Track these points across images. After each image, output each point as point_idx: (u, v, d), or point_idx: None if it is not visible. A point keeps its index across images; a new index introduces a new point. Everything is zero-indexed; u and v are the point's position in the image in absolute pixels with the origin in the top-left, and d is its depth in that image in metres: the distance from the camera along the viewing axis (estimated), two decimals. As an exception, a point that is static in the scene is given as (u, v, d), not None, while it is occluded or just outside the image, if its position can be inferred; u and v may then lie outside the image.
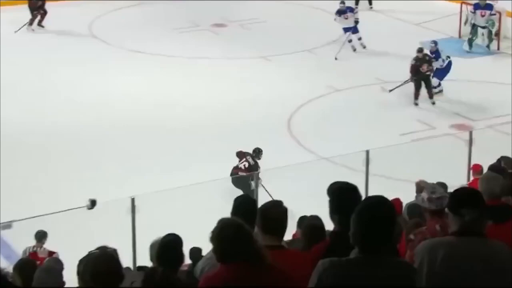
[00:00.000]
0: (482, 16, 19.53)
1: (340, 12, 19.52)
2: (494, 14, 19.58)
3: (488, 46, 19.66)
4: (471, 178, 11.25)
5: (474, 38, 19.65)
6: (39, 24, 21.19)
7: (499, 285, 3.82)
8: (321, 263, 3.65)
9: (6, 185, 12.66)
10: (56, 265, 7.00)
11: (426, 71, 16.33)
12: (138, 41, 19.93)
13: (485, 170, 10.35)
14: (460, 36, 20.31)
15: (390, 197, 7.22)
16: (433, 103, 16.30)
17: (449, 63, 16.87)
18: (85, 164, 13.58)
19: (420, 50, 16.64)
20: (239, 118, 15.67)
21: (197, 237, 6.16)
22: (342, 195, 4.57)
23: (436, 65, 16.71)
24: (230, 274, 3.95)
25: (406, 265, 3.72)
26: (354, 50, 19.42)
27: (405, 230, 6.39)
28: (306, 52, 19.53)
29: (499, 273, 3.84)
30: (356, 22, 19.49)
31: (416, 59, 16.45)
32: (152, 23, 21.51)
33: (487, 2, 19.56)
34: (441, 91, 16.89)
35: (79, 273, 4.22)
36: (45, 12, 21.15)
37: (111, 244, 5.66)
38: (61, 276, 6.64)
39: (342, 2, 19.63)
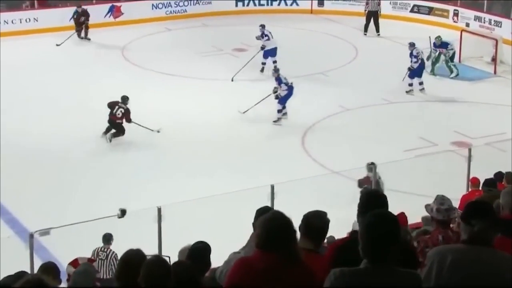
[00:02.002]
0: (441, 52, 19.51)
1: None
2: (452, 49, 19.54)
3: (451, 73, 19.38)
4: (470, 189, 11.20)
5: (437, 63, 19.55)
6: (86, 37, 21.92)
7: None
8: (333, 272, 3.65)
9: (40, 194, 12.72)
10: (90, 269, 6.98)
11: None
12: (167, 64, 19.99)
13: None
14: (460, 61, 20.21)
15: (396, 208, 7.21)
16: None
17: (291, 88, 16.11)
18: (118, 174, 13.59)
19: None
20: (257, 132, 15.66)
21: (218, 245, 6.14)
22: (367, 200, 4.54)
23: (282, 92, 16.06)
24: (265, 262, 3.91)
25: (412, 275, 3.71)
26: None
27: (411, 238, 6.33)
28: (320, 74, 19.50)
29: (502, 282, 3.81)
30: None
31: None
32: (180, 48, 21.57)
33: (443, 40, 19.49)
34: (285, 113, 16.22)
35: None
36: (86, 27, 21.97)
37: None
38: (94, 279, 6.62)
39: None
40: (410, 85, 18.20)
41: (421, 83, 18.24)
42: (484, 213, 3.99)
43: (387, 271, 3.58)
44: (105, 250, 9.74)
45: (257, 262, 3.93)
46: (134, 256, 4.44)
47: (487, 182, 9.65)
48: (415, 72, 18.29)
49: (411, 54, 18.45)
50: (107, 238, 9.82)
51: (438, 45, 19.57)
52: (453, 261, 3.83)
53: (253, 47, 21.79)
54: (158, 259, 4.26)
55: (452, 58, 19.53)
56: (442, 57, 19.59)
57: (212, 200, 10.73)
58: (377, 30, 23.24)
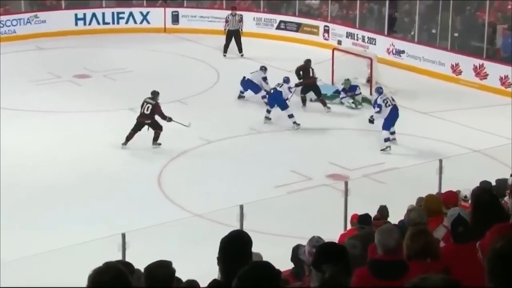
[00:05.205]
0: (350, 96, 19.79)
1: None
2: (360, 93, 19.82)
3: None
4: (348, 228, 11.51)
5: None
6: None
7: None
8: None
9: None
10: None
11: None
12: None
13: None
14: (333, 83, 20.90)
15: (266, 252, 7.37)
16: None
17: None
18: None
19: None
20: (105, 173, 15.51)
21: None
22: (227, 246, 4.61)
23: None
24: None
25: None
26: None
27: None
28: (177, 102, 19.59)
29: None
30: None
31: None
32: (10, 76, 21.03)
33: (352, 84, 19.83)
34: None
35: None
36: None
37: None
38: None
39: None
40: (386, 140, 17.04)
41: (393, 132, 17.26)
42: (335, 258, 4.12)
43: None
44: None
45: None
46: None
47: (361, 219, 10.02)
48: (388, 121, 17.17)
49: (375, 103, 17.56)
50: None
51: (347, 89, 19.76)
52: None
53: (98, 72, 21.67)
54: None
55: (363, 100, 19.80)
56: (346, 103, 19.73)
57: (55, 255, 10.56)
58: (240, 50, 23.70)
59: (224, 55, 23.71)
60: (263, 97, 19.44)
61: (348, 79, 19.96)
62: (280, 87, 18.53)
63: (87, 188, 14.89)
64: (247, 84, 19.90)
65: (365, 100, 19.91)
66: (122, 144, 16.77)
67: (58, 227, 13.23)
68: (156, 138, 16.93)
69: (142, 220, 12.28)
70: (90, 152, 16.59)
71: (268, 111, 18.53)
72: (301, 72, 19.74)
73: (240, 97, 20.18)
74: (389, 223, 9.21)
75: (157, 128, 16.89)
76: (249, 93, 20.02)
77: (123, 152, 16.66)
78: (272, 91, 18.64)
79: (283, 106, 18.40)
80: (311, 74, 19.73)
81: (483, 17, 22.23)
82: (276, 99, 18.46)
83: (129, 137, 16.81)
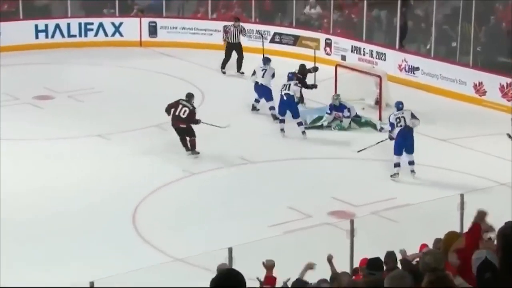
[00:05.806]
0: (338, 117, 19.99)
1: None
2: (348, 117, 19.99)
3: (376, 128, 20.07)
4: (357, 274, 11.57)
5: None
6: None
7: None
8: None
9: None
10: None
11: None
12: None
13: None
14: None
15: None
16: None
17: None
18: None
19: None
20: (71, 211, 15.54)
21: None
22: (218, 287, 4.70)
23: None
24: None
25: None
26: None
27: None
28: (154, 128, 19.63)
29: None
30: None
31: None
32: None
33: (341, 102, 19.99)
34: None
35: None
36: None
37: None
38: None
39: None
40: (395, 165, 17.27)
41: (411, 162, 17.34)
42: None
43: None
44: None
45: None
46: None
47: (371, 263, 10.05)
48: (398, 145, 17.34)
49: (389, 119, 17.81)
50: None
51: (336, 107, 19.93)
52: None
53: (61, 93, 21.75)
54: None
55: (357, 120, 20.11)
56: (335, 124, 20.00)
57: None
58: (239, 67, 23.72)
59: (223, 72, 23.80)
60: (271, 108, 20.24)
61: (337, 95, 20.20)
62: (288, 88, 19.41)
63: (50, 229, 14.92)
64: (261, 90, 20.64)
65: (368, 124, 20.06)
66: (188, 152, 17.93)
67: (16, 272, 13.27)
68: (193, 146, 17.89)
69: (114, 266, 12.30)
70: (54, 186, 16.61)
71: (282, 121, 19.47)
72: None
73: (254, 109, 20.84)
74: (399, 269, 9.30)
75: (193, 135, 17.87)
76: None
77: (92, 186, 16.69)
78: (285, 97, 19.37)
79: (296, 114, 19.48)
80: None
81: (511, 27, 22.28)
82: (289, 105, 19.50)
83: (184, 144, 17.93)
